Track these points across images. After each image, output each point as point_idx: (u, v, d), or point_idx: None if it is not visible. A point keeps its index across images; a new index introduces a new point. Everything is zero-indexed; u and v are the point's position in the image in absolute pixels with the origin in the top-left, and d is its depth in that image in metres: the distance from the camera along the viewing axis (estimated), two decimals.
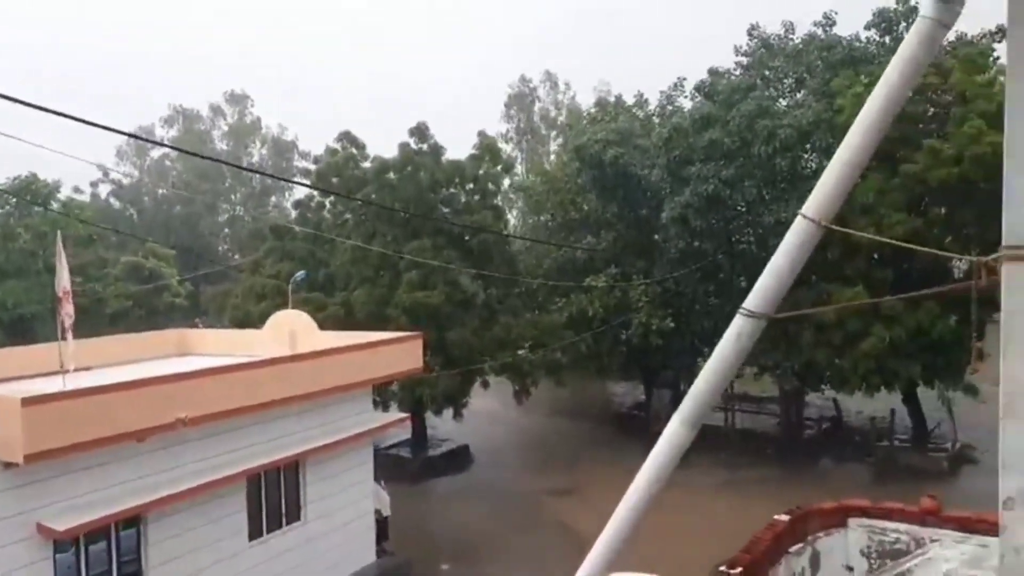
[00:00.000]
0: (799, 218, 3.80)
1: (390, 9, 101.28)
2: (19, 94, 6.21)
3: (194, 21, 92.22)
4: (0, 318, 34.06)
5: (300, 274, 24.42)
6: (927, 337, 22.71)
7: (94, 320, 36.46)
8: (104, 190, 54.39)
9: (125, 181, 57.32)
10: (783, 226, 3.91)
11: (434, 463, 27.96)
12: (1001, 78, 23.61)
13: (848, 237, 22.33)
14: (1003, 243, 2.57)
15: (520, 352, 27.92)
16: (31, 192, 37.90)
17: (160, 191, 58.78)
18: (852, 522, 10.04)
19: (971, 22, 25.55)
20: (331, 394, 15.51)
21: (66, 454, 10.70)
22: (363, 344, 16.47)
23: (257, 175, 61.81)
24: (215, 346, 19.49)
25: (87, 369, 16.26)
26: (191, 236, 53.85)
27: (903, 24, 26.63)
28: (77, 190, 46.10)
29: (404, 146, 27.86)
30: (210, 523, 13.38)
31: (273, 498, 14.98)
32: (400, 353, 17.23)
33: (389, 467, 26.14)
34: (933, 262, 22.99)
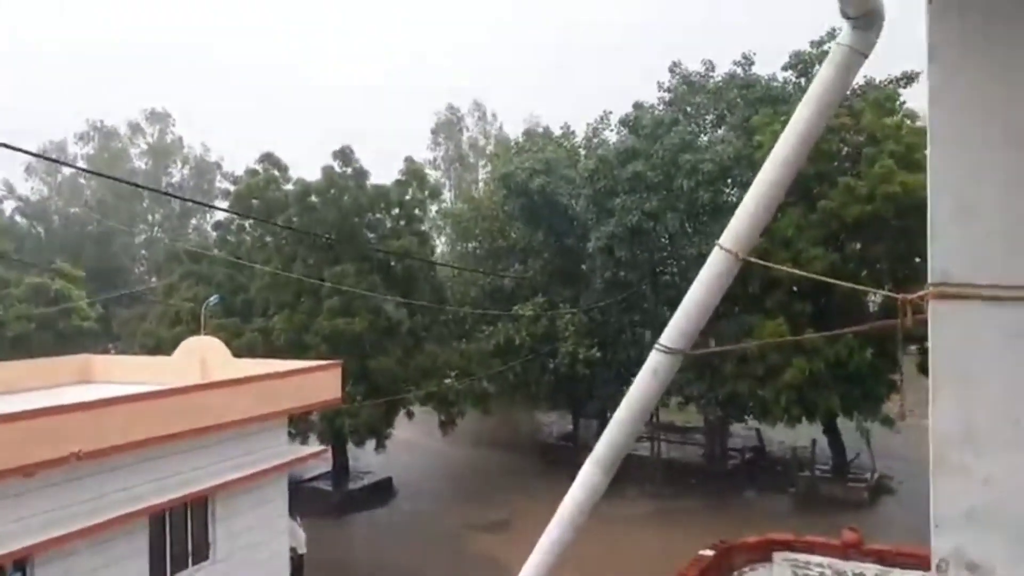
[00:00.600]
0: (716, 250, 3.67)
1: (314, 24, 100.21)
2: None
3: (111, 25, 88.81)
4: None
5: (213, 298, 23.47)
6: (845, 369, 23.38)
7: None
8: (9, 207, 51.57)
9: (33, 198, 54.44)
10: (705, 258, 3.79)
11: (356, 496, 27.11)
12: (908, 121, 24.88)
13: (769, 271, 23.01)
14: (929, 280, 2.44)
15: (447, 381, 27.50)
16: None
17: (72, 210, 56.01)
18: (776, 556, 10.03)
19: (878, 67, 26.91)
20: (242, 425, 14.74)
21: None
22: (277, 373, 15.77)
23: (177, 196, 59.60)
24: (121, 374, 18.39)
25: None
26: (104, 257, 51.30)
27: (817, 66, 27.84)
28: None
29: (327, 169, 27.36)
30: (107, 565, 12.40)
31: (179, 537, 14.05)
32: (317, 382, 16.58)
33: (308, 500, 25.17)
34: (850, 296, 23.80)
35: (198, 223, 57.77)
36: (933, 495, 2.46)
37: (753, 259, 3.66)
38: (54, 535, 11.12)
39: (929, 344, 2.50)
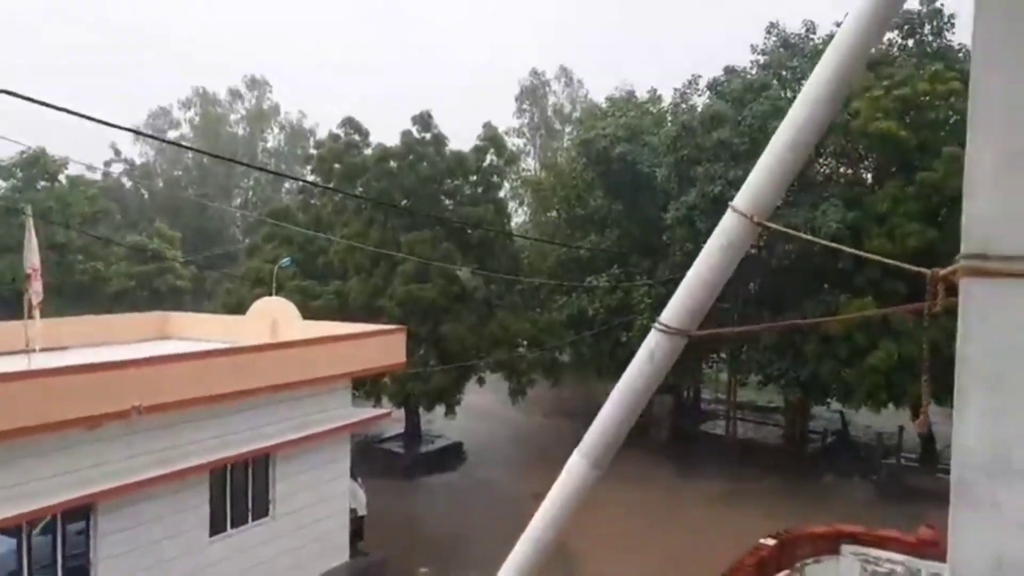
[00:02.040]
0: (729, 212, 3.07)
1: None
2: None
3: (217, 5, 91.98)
4: (0, 292, 33.85)
5: (285, 260, 23.92)
6: (939, 354, 21.67)
7: (96, 299, 36.28)
8: (117, 169, 54.29)
9: (140, 161, 57.15)
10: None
11: (426, 459, 27.41)
12: None
13: (858, 247, 21.50)
14: (962, 251, 1.83)
15: (519, 350, 27.30)
16: (38, 167, 37.69)
17: (176, 173, 58.62)
18: (844, 549, 9.43)
19: None
20: (305, 386, 14.93)
21: (8, 439, 10.18)
22: (341, 336, 15.88)
23: (271, 159, 61.56)
24: (197, 331, 19.03)
25: (60, 349, 15.86)
26: (202, 219, 53.49)
27: (928, 27, 25.61)
28: (90, 168, 46.06)
29: (406, 134, 27.29)
30: (168, 516, 12.84)
31: (239, 492, 14.43)
32: (381, 347, 16.62)
33: (379, 462, 25.65)
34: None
35: (291, 186, 59.38)
36: (952, 534, 1.89)
37: (771, 224, 3.05)
38: (115, 485, 11.52)
39: (958, 334, 1.91)
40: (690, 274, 3.18)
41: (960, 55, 25.67)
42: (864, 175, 26.80)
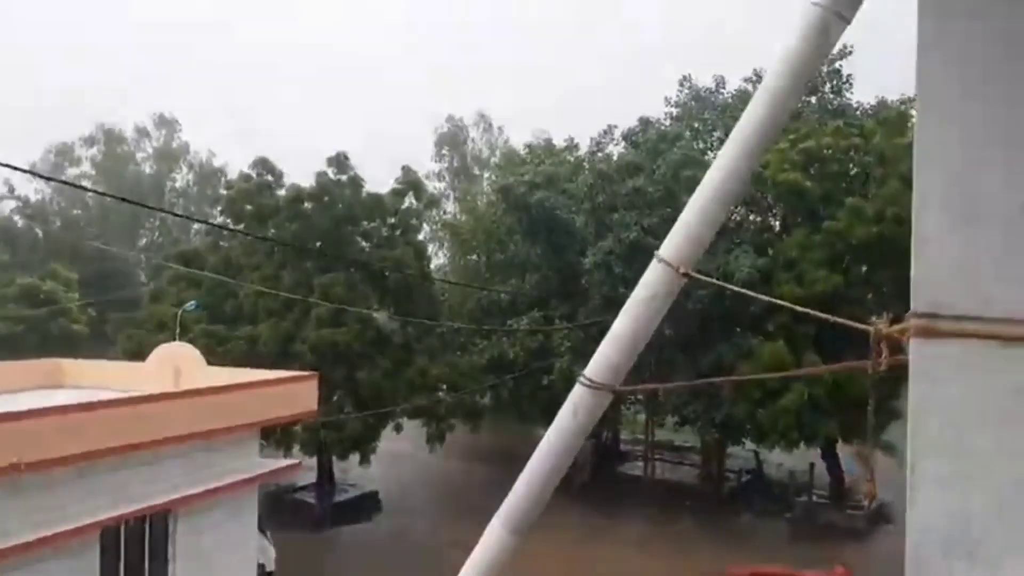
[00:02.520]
0: (654, 263, 2.92)
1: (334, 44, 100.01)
2: None
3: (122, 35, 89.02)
4: None
5: (190, 304, 22.85)
6: (845, 395, 22.59)
7: None
8: (9, 207, 51.14)
9: (36, 199, 53.94)
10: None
11: (340, 510, 26.34)
12: None
13: (771, 291, 22.26)
14: (911, 309, 1.70)
15: (439, 395, 26.79)
16: None
17: (75, 212, 55.67)
18: None
19: (890, 88, 26.34)
20: (208, 437, 14.05)
21: None
22: (248, 383, 15.11)
23: (179, 200, 59.41)
24: (92, 379, 17.75)
25: None
26: (104, 261, 50.70)
27: (828, 86, 27.19)
28: None
29: (321, 175, 26.75)
30: None
31: (134, 554, 13.32)
32: (291, 394, 15.90)
33: (291, 513, 24.54)
34: (857, 319, 22.94)
35: (200, 227, 57.20)
36: None
37: (696, 274, 2.93)
38: None
39: (909, 398, 1.77)
40: (615, 327, 3.02)
41: (858, 112, 27.32)
42: (773, 223, 27.96)
